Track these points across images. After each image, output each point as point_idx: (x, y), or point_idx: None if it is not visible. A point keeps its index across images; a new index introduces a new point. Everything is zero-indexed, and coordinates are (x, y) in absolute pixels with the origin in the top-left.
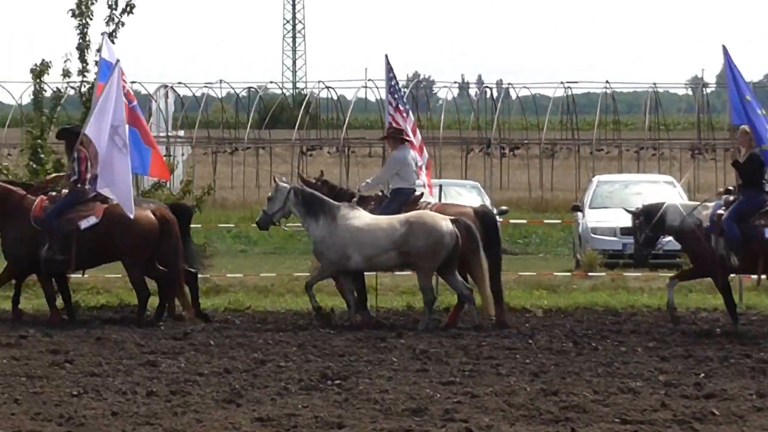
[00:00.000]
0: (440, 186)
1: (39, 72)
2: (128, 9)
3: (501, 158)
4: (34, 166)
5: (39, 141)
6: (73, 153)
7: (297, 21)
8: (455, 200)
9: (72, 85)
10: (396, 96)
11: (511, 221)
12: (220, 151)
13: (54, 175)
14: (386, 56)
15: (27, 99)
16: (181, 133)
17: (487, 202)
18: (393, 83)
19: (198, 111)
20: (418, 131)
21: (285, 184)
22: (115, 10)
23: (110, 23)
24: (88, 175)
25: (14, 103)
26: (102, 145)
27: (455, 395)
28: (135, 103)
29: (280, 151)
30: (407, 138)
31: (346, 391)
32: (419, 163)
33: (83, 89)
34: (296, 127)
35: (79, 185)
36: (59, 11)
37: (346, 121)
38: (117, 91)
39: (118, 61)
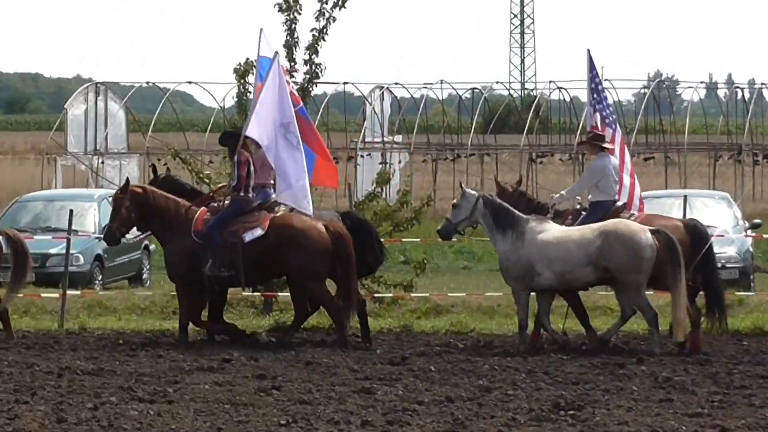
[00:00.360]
0: (685, 197)
1: (243, 72)
2: (340, 2)
3: (753, 166)
4: None
5: None
6: (234, 157)
7: (525, 15)
8: (701, 213)
9: None
10: (596, 98)
11: (765, 236)
12: (441, 158)
13: (221, 184)
14: (588, 51)
15: (230, 101)
16: (398, 138)
17: (738, 215)
18: (596, 82)
19: (416, 114)
20: (627, 150)
21: (473, 192)
22: (326, 4)
23: (320, 18)
24: (251, 182)
25: (216, 105)
26: (272, 147)
27: (703, 428)
28: (301, 105)
29: (506, 158)
30: (607, 146)
31: (581, 422)
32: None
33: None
34: (525, 132)
35: (241, 193)
36: (266, 6)
37: (580, 126)
38: (280, 87)
39: (276, 54)
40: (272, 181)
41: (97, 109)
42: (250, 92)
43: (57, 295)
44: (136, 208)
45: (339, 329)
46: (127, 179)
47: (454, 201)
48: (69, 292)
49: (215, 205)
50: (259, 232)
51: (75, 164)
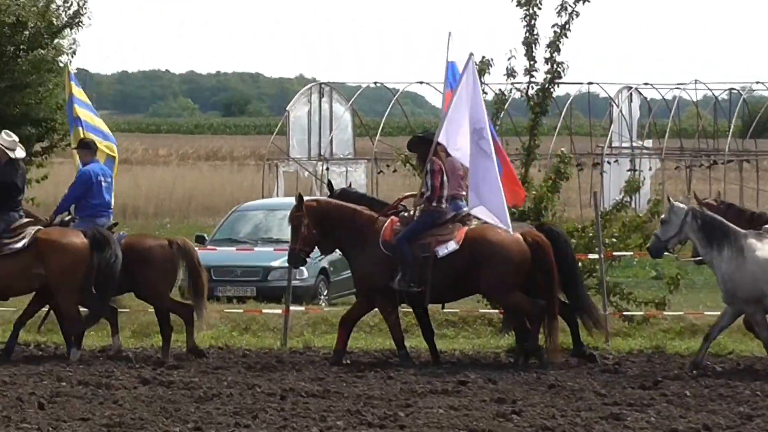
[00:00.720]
0: None
1: (478, 71)
2: None
3: None
4: None
5: None
6: (426, 165)
7: None
8: None
9: (517, 86)
10: None
11: None
12: (695, 164)
13: (408, 193)
14: None
15: None
16: (648, 143)
17: None
18: None
19: (668, 117)
20: None
21: (681, 205)
22: None
23: (562, 13)
24: (445, 192)
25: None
26: (464, 154)
27: None
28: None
29: None
30: None
31: None
32: None
33: (531, 91)
34: None
35: (434, 203)
36: (502, 1)
37: None
38: (474, 90)
39: (471, 55)
40: (463, 193)
41: (321, 112)
42: (485, 93)
43: (280, 311)
44: (316, 223)
45: (529, 344)
46: (300, 195)
47: (663, 216)
48: (292, 308)
49: (405, 214)
50: (453, 246)
51: (298, 170)
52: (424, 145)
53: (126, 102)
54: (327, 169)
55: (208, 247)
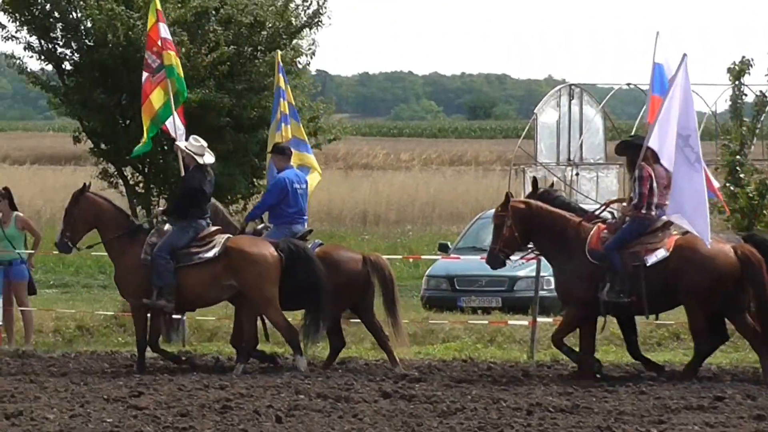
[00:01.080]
0: None
1: (738, 72)
2: None
3: None
4: (732, 188)
5: (738, 157)
6: (634, 171)
7: None
8: None
9: None
10: None
11: None
12: None
13: (615, 198)
14: None
15: (722, 105)
16: None
17: None
18: None
19: None
20: None
21: None
22: None
23: None
24: (654, 199)
25: (707, 110)
26: (669, 160)
27: None
28: None
29: None
30: None
31: None
32: None
33: None
34: None
35: (642, 211)
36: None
37: None
38: (685, 93)
39: (684, 56)
40: (666, 202)
41: (570, 114)
42: (745, 95)
43: (526, 322)
44: (520, 225)
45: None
46: (507, 194)
47: None
48: (540, 319)
49: (613, 221)
50: (662, 253)
51: (546, 176)
52: (631, 149)
53: (367, 104)
54: (576, 174)
55: (452, 255)
